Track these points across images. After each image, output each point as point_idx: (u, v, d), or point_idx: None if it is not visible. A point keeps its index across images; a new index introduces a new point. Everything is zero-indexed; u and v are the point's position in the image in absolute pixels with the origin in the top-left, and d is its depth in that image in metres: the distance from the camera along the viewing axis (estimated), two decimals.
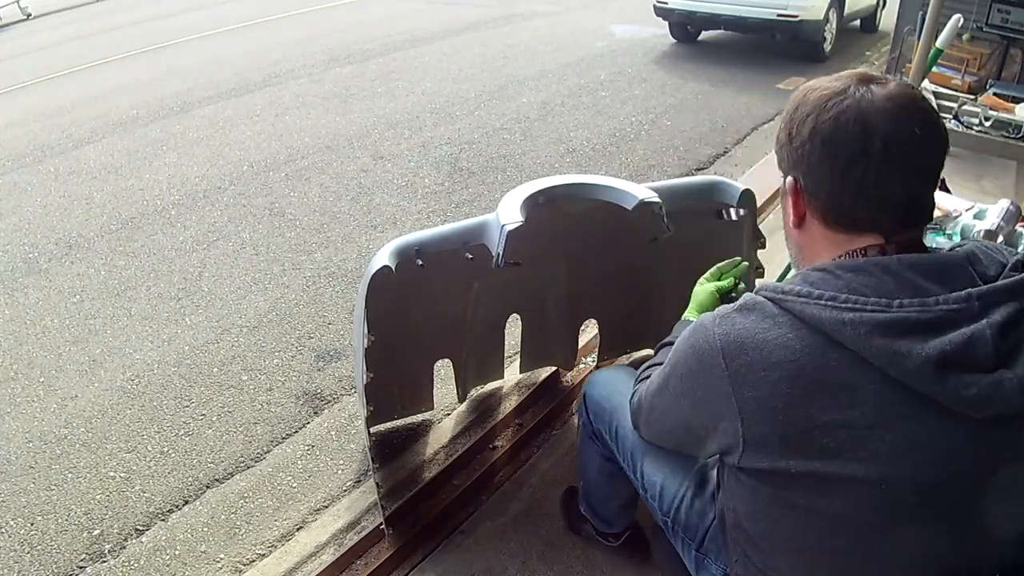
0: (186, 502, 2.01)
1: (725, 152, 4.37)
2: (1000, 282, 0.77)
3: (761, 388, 0.79)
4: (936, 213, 1.90)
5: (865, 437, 0.76)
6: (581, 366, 2.34)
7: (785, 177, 0.89)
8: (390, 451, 2.06)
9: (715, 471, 1.13)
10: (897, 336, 0.73)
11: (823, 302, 0.77)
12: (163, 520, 1.96)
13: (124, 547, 1.88)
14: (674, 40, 6.99)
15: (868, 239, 0.83)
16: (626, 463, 1.33)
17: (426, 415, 2.16)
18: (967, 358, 0.72)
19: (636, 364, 1.50)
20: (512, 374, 2.30)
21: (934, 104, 2.20)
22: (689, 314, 1.27)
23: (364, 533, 1.81)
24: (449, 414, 2.21)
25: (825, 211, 0.84)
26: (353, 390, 2.41)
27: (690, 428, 0.94)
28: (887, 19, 7.22)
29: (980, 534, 0.81)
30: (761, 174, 3.91)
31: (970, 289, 0.75)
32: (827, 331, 0.76)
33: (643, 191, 1.56)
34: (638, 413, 1.10)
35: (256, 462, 2.14)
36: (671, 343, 1.07)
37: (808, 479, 0.80)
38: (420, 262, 1.55)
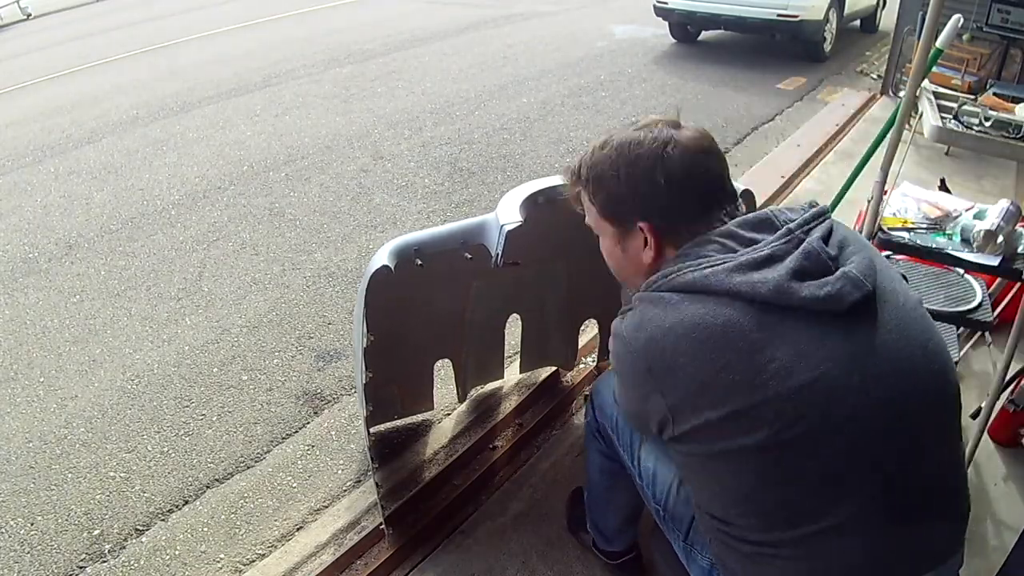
0: (186, 502, 2.01)
1: (725, 152, 4.34)
2: (804, 215, 0.96)
3: (665, 357, 0.92)
4: (936, 213, 1.90)
5: (760, 362, 0.87)
6: (581, 366, 2.35)
7: (629, 223, 1.03)
8: (390, 451, 2.07)
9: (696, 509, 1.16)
10: (751, 270, 0.89)
11: (687, 268, 0.93)
12: (163, 520, 1.96)
13: (124, 547, 1.88)
14: (674, 40, 6.99)
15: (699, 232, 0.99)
16: (626, 451, 1.35)
17: (426, 415, 2.16)
18: (811, 268, 0.89)
19: None
20: (512, 374, 2.30)
21: (935, 104, 2.21)
22: None
23: (364, 533, 1.81)
24: (449, 414, 2.21)
25: (682, 235, 0.99)
26: (353, 390, 2.41)
27: (637, 415, 1.03)
28: (887, 19, 7.22)
29: (894, 423, 0.90)
30: (761, 174, 3.92)
31: (788, 226, 0.94)
32: (698, 288, 0.91)
33: None
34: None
35: (256, 462, 2.14)
36: None
37: (729, 422, 0.89)
38: (419, 262, 1.54)
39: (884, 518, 0.91)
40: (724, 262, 0.91)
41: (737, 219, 0.98)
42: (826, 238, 0.93)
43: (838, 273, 0.89)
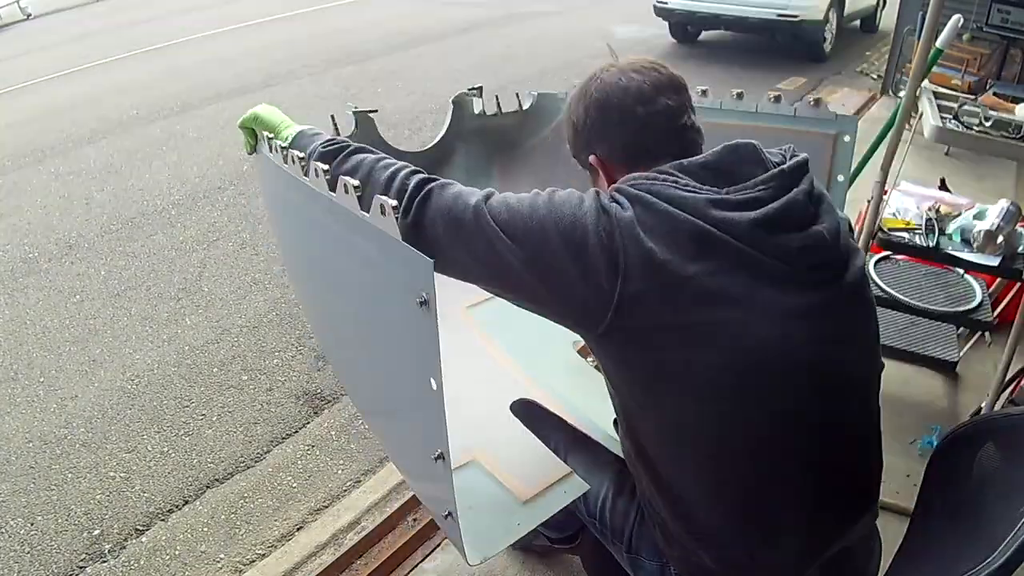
0: (186, 502, 2.01)
1: None
2: (792, 161, 0.92)
3: (642, 247, 0.85)
4: (946, 209, 1.91)
5: (725, 284, 0.85)
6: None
7: (587, 163, 1.03)
8: None
9: (634, 467, 1.07)
10: (729, 209, 0.86)
11: (668, 183, 0.88)
12: (163, 520, 1.96)
13: (124, 547, 1.88)
14: (674, 40, 7.00)
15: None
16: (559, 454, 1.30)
17: None
18: (787, 218, 0.87)
19: None
20: None
21: (935, 104, 2.21)
22: None
23: (364, 533, 1.81)
24: None
25: (628, 156, 0.97)
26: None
27: (555, 258, 0.88)
28: (887, 19, 7.22)
29: (836, 387, 0.92)
30: None
31: (774, 170, 0.90)
32: (676, 205, 0.86)
33: None
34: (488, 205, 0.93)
35: (256, 462, 2.14)
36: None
37: (680, 332, 0.86)
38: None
39: (811, 484, 0.94)
40: (703, 193, 0.87)
41: (723, 148, 0.92)
42: (809, 192, 0.91)
43: (812, 229, 0.89)
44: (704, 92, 1.41)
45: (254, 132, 1.24)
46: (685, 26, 6.84)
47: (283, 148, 1.11)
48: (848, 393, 0.96)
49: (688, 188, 0.88)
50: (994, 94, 2.35)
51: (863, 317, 0.96)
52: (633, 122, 0.96)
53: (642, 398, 0.94)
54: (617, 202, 0.88)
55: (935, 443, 2.01)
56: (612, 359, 0.93)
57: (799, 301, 0.88)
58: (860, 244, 1.89)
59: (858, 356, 0.96)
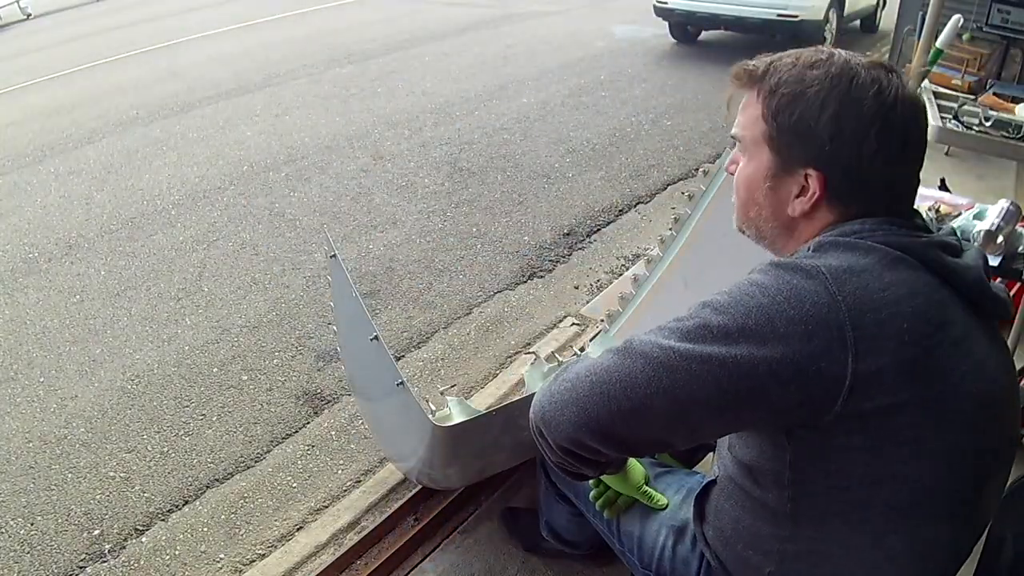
0: (186, 502, 2.01)
1: (726, 150, 4.37)
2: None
3: (880, 313, 0.74)
4: (946, 209, 1.90)
5: (960, 352, 0.78)
6: None
7: (793, 164, 0.83)
8: None
9: (692, 513, 1.04)
10: (950, 254, 0.80)
11: (893, 231, 0.79)
12: (163, 520, 1.96)
13: (124, 547, 1.88)
14: (674, 40, 6.99)
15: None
16: (597, 519, 1.25)
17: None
18: (978, 274, 0.82)
19: None
20: (513, 374, 2.30)
21: (935, 104, 2.21)
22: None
23: (364, 533, 1.81)
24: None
25: (848, 200, 0.82)
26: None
27: (726, 384, 0.75)
28: (887, 19, 7.22)
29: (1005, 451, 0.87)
30: None
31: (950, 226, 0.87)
32: (915, 254, 0.78)
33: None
34: (564, 387, 0.86)
35: (256, 462, 2.14)
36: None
37: (925, 411, 0.76)
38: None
39: (957, 527, 0.87)
40: (928, 238, 0.80)
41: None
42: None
43: (993, 284, 0.84)
44: None
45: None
46: (685, 26, 6.84)
47: None
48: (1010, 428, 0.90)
49: (913, 235, 0.80)
50: (994, 94, 2.35)
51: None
52: (901, 175, 0.82)
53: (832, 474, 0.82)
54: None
55: None
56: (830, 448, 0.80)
57: (991, 349, 0.84)
58: None
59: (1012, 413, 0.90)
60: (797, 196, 0.84)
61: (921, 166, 0.84)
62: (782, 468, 0.81)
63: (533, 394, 1.32)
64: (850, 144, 0.79)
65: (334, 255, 1.50)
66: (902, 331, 0.73)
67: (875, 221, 0.81)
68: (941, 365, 0.76)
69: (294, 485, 2.05)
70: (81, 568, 1.83)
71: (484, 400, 2.26)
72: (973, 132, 2.05)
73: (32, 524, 1.94)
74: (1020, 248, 1.73)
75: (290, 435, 2.24)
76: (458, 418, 1.60)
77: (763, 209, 0.89)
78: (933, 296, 0.77)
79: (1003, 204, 1.74)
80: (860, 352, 0.72)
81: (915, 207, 0.87)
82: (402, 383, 1.26)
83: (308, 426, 2.28)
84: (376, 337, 1.33)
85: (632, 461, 1.16)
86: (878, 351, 0.73)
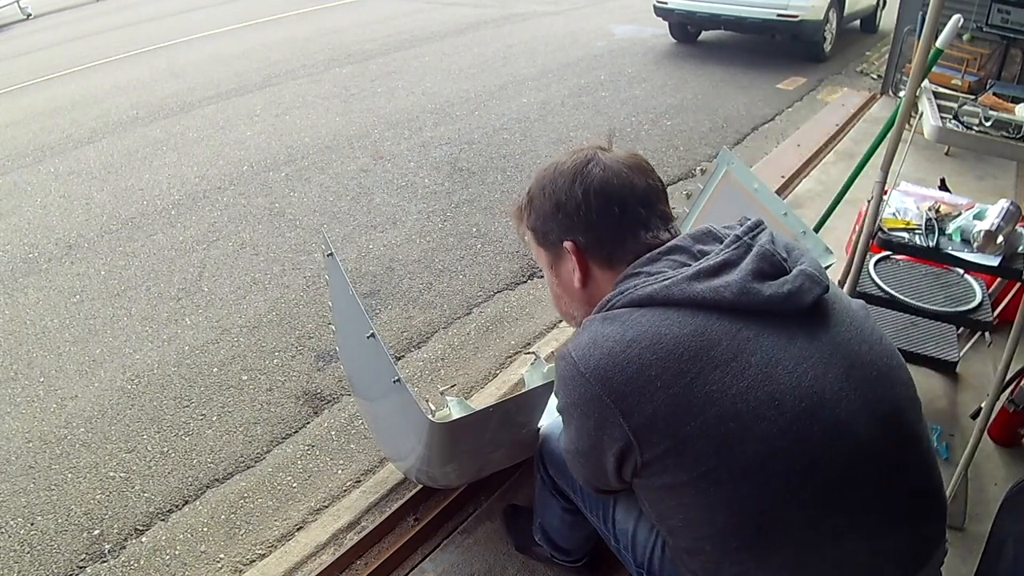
0: (186, 502, 2.01)
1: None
2: (746, 224, 0.95)
3: (627, 371, 0.84)
4: (946, 209, 1.90)
5: (735, 369, 0.83)
6: None
7: (556, 245, 1.00)
8: None
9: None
10: (710, 277, 0.87)
11: (642, 284, 0.90)
12: (163, 520, 1.96)
13: (124, 547, 1.88)
14: (674, 40, 7.00)
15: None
16: (595, 515, 1.28)
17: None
18: (768, 268, 0.88)
19: None
20: (513, 374, 2.30)
21: (935, 104, 2.20)
22: None
23: (364, 533, 1.81)
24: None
25: (611, 254, 0.97)
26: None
27: (588, 458, 0.94)
28: (887, 19, 7.22)
29: (878, 424, 0.88)
30: (761, 174, 3.91)
31: (735, 233, 0.93)
32: (658, 301, 0.87)
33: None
34: (568, 459, 1.07)
35: (256, 462, 2.14)
36: None
37: (709, 437, 0.82)
38: None
39: (881, 527, 0.89)
40: (680, 273, 0.89)
41: (680, 236, 0.97)
42: (772, 242, 0.92)
43: (795, 271, 0.89)
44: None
45: None
46: (685, 26, 6.84)
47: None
48: (904, 426, 0.91)
49: (665, 276, 0.89)
50: (994, 94, 2.35)
51: (874, 338, 0.93)
52: (633, 220, 0.97)
53: (681, 512, 0.91)
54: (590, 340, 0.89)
55: (935, 443, 2.01)
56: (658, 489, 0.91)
57: (810, 345, 0.87)
58: (860, 244, 1.89)
59: (892, 381, 0.92)
60: (573, 270, 1.00)
61: (666, 206, 1.00)
62: (647, 510, 0.97)
63: (529, 391, 1.33)
64: (574, 213, 0.97)
65: (331, 253, 1.50)
66: (653, 379, 0.83)
67: (629, 278, 0.94)
68: (709, 391, 0.82)
69: (294, 485, 2.05)
70: (81, 568, 1.83)
71: (484, 400, 2.26)
72: (973, 132, 2.05)
73: (32, 524, 1.94)
74: (1020, 248, 1.73)
75: (290, 435, 2.24)
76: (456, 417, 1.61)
77: (564, 297, 1.06)
78: (682, 332, 0.84)
79: (1003, 204, 1.75)
80: (625, 411, 0.84)
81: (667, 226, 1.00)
82: (398, 380, 1.26)
83: (308, 426, 2.28)
84: (373, 335, 1.33)
85: None
86: (640, 404, 0.83)
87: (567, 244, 0.99)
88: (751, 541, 0.88)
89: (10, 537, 1.91)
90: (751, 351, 0.84)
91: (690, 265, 0.90)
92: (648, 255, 0.95)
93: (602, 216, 0.96)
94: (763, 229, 0.94)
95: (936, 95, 2.25)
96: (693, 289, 0.86)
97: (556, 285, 1.06)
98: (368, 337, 1.35)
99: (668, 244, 0.95)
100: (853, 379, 0.87)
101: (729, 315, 0.85)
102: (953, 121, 2.08)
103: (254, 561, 1.82)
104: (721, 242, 0.93)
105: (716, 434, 0.82)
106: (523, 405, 1.36)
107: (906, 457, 0.92)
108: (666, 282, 0.88)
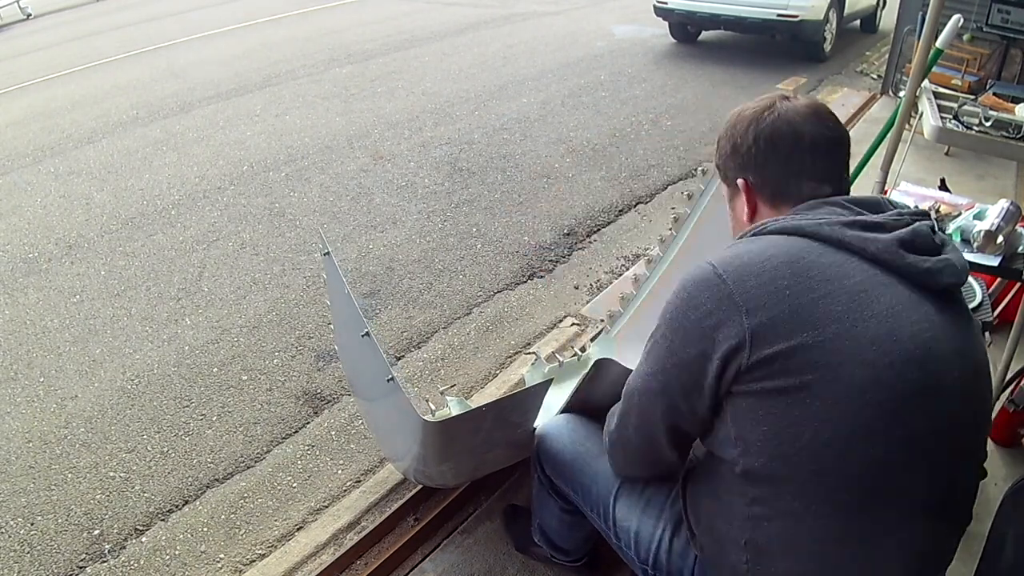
0: (186, 502, 2.01)
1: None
2: (915, 207, 1.01)
3: (761, 277, 0.90)
4: (946, 209, 1.90)
5: (862, 300, 0.88)
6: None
7: (733, 182, 1.09)
8: None
9: (680, 504, 1.14)
10: (862, 230, 0.93)
11: (798, 218, 0.97)
12: (163, 520, 1.96)
13: (124, 547, 1.88)
14: (674, 40, 7.00)
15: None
16: (595, 513, 1.29)
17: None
18: (919, 244, 0.93)
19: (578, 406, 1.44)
20: (513, 374, 2.30)
21: (935, 104, 2.21)
22: None
23: (364, 533, 1.81)
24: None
25: (775, 195, 1.05)
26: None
27: (684, 377, 0.96)
28: (887, 19, 7.22)
29: (962, 407, 0.93)
30: None
31: (900, 209, 0.98)
32: (808, 233, 0.94)
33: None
34: (616, 438, 1.14)
35: (256, 462, 2.14)
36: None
37: (822, 348, 0.86)
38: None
39: (923, 512, 0.91)
40: (836, 217, 0.95)
41: (848, 196, 1.02)
42: (932, 230, 0.96)
43: (940, 256, 0.93)
44: None
45: None
46: (685, 26, 6.84)
47: None
48: (976, 422, 0.97)
49: (821, 216, 0.96)
50: (994, 94, 2.35)
51: (981, 346, 1.00)
52: (798, 167, 1.02)
53: (761, 422, 0.92)
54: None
55: None
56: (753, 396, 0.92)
57: (937, 316, 0.91)
58: None
59: (982, 386, 0.99)
60: (744, 205, 1.09)
61: (839, 158, 1.04)
62: (727, 429, 0.96)
63: (524, 391, 1.33)
64: (746, 155, 1.05)
65: (327, 253, 1.50)
66: (783, 288, 0.89)
67: (787, 214, 1.01)
68: (833, 309, 0.87)
69: (294, 485, 2.05)
70: (81, 568, 1.83)
71: (484, 400, 2.26)
72: (973, 132, 2.05)
73: (32, 524, 1.94)
74: (1020, 248, 1.73)
75: (290, 435, 2.24)
76: None
77: (736, 228, 1.14)
78: (820, 259, 0.91)
79: (1003, 204, 1.74)
80: (750, 310, 0.89)
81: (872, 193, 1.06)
82: (392, 379, 1.26)
83: (308, 426, 2.28)
84: (367, 333, 1.33)
85: None
86: (765, 307, 0.88)
87: (739, 182, 1.07)
88: (827, 466, 0.89)
89: (10, 537, 1.91)
90: (881, 293, 0.89)
91: (848, 216, 0.96)
92: (811, 201, 1.01)
93: (769, 161, 1.04)
94: (928, 217, 0.99)
95: (936, 95, 2.26)
96: (843, 233, 0.92)
97: (732, 217, 1.15)
98: (363, 336, 1.34)
99: (833, 198, 1.00)
100: (964, 360, 0.92)
101: (869, 262, 0.91)
102: (953, 121, 2.09)
103: (254, 561, 1.82)
104: (884, 212, 0.98)
105: (829, 348, 0.86)
106: (518, 405, 1.36)
107: (970, 455, 0.97)
108: (820, 220, 0.94)
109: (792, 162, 1.02)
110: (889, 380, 0.86)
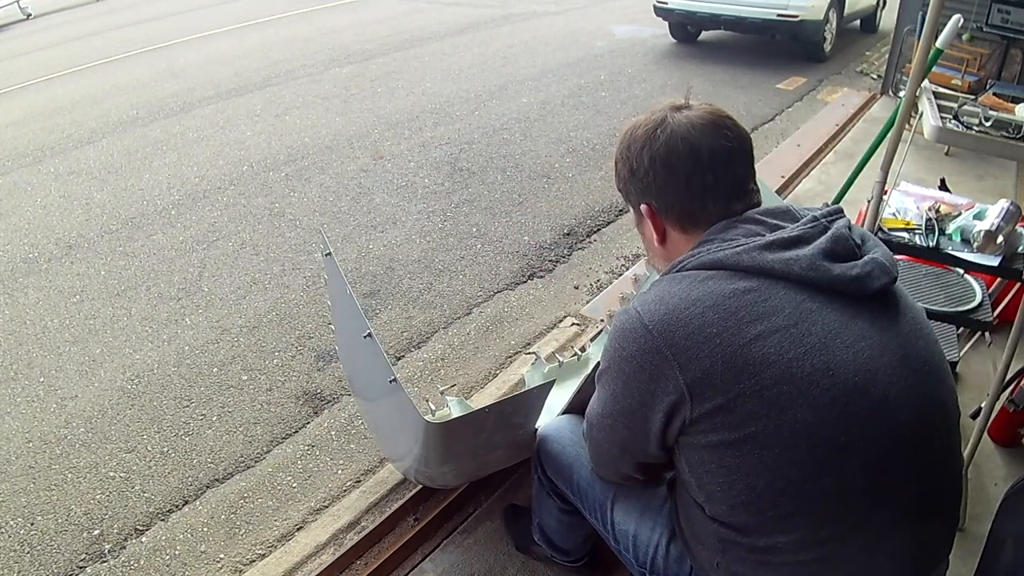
0: (186, 502, 2.01)
1: None
2: (826, 208, 0.97)
3: (689, 327, 0.87)
4: (946, 209, 1.90)
5: (794, 335, 0.85)
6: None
7: (637, 207, 1.04)
8: None
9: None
10: (782, 249, 0.89)
11: (714, 249, 0.92)
12: (163, 520, 1.96)
13: (124, 547, 1.88)
14: (674, 40, 7.00)
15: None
16: (594, 516, 1.28)
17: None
18: (840, 250, 0.90)
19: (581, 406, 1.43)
20: (513, 374, 2.30)
21: (935, 104, 2.20)
22: None
23: (364, 533, 1.81)
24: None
25: (682, 218, 1.00)
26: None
27: (631, 423, 0.97)
28: (887, 19, 7.22)
29: (922, 418, 0.90)
30: (761, 174, 3.91)
31: (813, 214, 0.95)
32: (728, 265, 0.90)
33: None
34: (591, 454, 1.16)
35: (256, 462, 2.14)
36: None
37: (760, 398, 0.84)
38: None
39: (905, 520, 0.90)
40: (753, 242, 0.91)
41: (758, 208, 0.98)
42: (849, 228, 0.94)
43: (866, 258, 0.91)
44: None
45: None
46: (685, 26, 6.84)
47: None
48: (944, 426, 0.94)
49: (738, 244, 0.91)
50: (994, 94, 2.35)
51: (932, 338, 0.96)
52: (701, 188, 0.97)
53: (721, 473, 0.91)
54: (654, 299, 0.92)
55: None
56: (703, 448, 0.92)
57: (870, 328, 0.88)
58: None
59: (939, 381, 0.94)
60: (652, 230, 1.04)
61: (743, 167, 0.99)
62: (687, 475, 0.96)
63: (526, 392, 1.33)
64: (644, 179, 0.99)
65: (329, 253, 1.50)
66: (712, 337, 0.86)
67: (703, 243, 0.96)
68: (766, 353, 0.85)
69: (294, 485, 2.05)
70: (81, 568, 1.83)
71: (484, 400, 2.26)
72: (973, 132, 2.04)
73: (32, 524, 1.94)
74: (1020, 248, 1.73)
75: (290, 435, 2.24)
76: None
77: (649, 251, 1.10)
78: (747, 296, 0.87)
79: (1003, 204, 1.74)
80: (682, 364, 0.87)
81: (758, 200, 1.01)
82: (394, 380, 1.26)
83: (308, 426, 2.28)
84: (369, 334, 1.33)
85: None
86: (698, 358, 0.86)
87: (643, 207, 1.02)
88: (788, 510, 0.88)
89: (10, 537, 1.91)
90: (812, 321, 0.86)
91: (763, 236, 0.92)
92: (723, 223, 0.96)
93: (669, 183, 0.98)
94: (842, 215, 0.96)
95: (936, 95, 2.25)
96: (763, 258, 0.89)
97: (643, 242, 1.11)
98: (365, 337, 1.35)
99: (744, 215, 0.97)
100: (906, 368, 0.89)
101: (796, 287, 0.88)
102: (953, 121, 2.08)
103: (254, 561, 1.82)
104: (797, 220, 0.94)
105: (769, 395, 0.84)
106: (520, 406, 1.36)
107: (940, 456, 0.94)
108: (737, 249, 0.91)
109: (694, 183, 0.96)
110: (834, 417, 0.85)
